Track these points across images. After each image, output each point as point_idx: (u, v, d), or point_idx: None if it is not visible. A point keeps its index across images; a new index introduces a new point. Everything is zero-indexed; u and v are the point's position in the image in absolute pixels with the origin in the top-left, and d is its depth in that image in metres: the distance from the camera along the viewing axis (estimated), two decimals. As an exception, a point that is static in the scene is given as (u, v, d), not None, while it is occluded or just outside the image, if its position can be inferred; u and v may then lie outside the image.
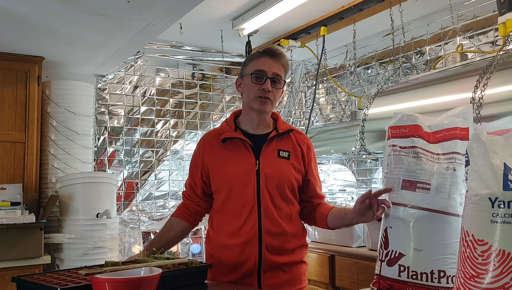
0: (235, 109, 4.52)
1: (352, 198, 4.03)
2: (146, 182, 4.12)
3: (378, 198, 1.57)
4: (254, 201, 1.80)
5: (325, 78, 4.46)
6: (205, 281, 1.66)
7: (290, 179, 1.85)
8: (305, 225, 1.99)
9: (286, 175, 1.85)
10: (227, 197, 1.84)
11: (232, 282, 1.79)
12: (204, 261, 1.93)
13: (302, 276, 1.90)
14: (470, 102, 2.26)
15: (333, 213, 1.86)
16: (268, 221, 1.80)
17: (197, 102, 4.36)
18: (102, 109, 3.94)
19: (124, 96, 4.04)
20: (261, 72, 1.84)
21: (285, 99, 4.77)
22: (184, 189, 2.03)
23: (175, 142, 4.25)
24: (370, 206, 1.62)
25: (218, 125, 4.39)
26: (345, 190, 4.17)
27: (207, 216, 2.05)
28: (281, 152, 1.88)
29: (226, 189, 1.84)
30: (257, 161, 1.83)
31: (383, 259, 1.48)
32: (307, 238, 1.98)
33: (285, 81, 1.90)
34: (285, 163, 1.86)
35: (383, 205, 1.53)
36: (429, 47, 3.49)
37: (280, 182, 1.83)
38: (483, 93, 2.23)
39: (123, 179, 4.00)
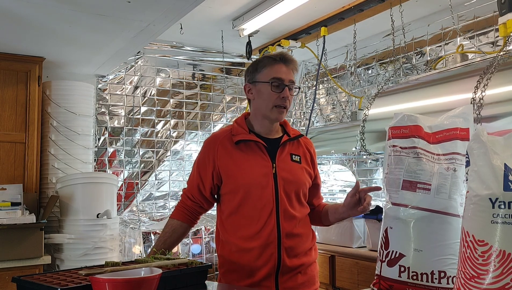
0: (235, 109, 4.53)
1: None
2: (147, 183, 4.12)
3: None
4: (273, 203, 1.81)
5: (325, 79, 4.46)
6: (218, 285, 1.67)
7: (305, 182, 1.90)
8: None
9: (301, 179, 1.89)
10: (244, 200, 1.83)
11: (250, 286, 1.79)
12: (218, 267, 1.93)
13: (316, 277, 1.93)
14: (471, 103, 2.26)
15: (326, 209, 1.97)
16: (286, 223, 1.81)
17: (197, 103, 4.36)
18: (103, 110, 3.94)
19: (125, 96, 4.04)
20: (279, 80, 1.84)
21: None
22: (185, 188, 2.00)
23: (175, 142, 4.25)
24: (359, 200, 1.76)
25: (218, 125, 4.44)
26: (345, 190, 4.17)
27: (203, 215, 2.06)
28: (293, 156, 1.91)
29: (243, 192, 1.83)
30: (274, 165, 1.85)
31: (384, 259, 1.48)
32: None
33: (299, 88, 1.93)
34: (298, 167, 1.90)
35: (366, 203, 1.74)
36: (429, 48, 3.49)
37: (297, 186, 1.87)
38: (483, 94, 2.23)
39: (124, 179, 4.00)
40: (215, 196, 1.97)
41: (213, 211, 2.07)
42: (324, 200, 2.10)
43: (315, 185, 1.99)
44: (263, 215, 1.80)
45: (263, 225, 1.80)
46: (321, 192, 2.06)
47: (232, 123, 1.99)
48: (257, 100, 1.88)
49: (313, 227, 2.03)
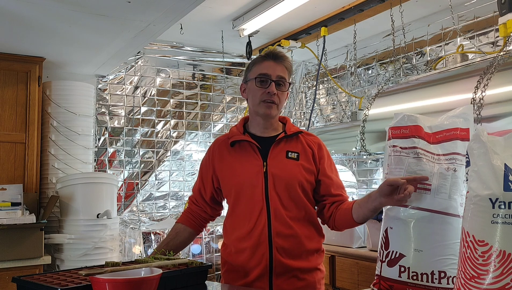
0: (235, 110, 4.54)
1: (353, 199, 4.03)
2: (147, 183, 4.12)
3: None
4: (263, 203, 1.77)
5: (325, 79, 4.46)
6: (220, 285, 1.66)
7: (300, 179, 1.80)
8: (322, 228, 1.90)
9: (295, 176, 1.80)
10: (236, 201, 1.83)
11: (244, 286, 1.78)
12: (221, 267, 1.94)
13: (317, 284, 1.83)
14: (471, 103, 2.26)
15: (357, 202, 1.74)
16: (278, 223, 1.76)
17: (197, 103, 4.36)
18: (103, 110, 3.94)
19: (125, 96, 4.04)
20: (265, 76, 1.82)
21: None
22: (191, 194, 2.03)
23: (175, 142, 4.25)
24: (396, 189, 1.48)
25: (218, 126, 4.44)
26: (345, 190, 4.17)
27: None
28: (289, 153, 1.84)
29: (234, 192, 1.83)
30: (265, 163, 1.81)
31: (384, 259, 1.48)
32: None
33: (290, 84, 1.88)
34: (294, 164, 1.82)
35: (407, 191, 1.43)
36: (429, 48, 3.49)
37: (289, 183, 1.79)
38: (483, 94, 2.23)
39: (124, 180, 4.00)
40: (220, 202, 1.99)
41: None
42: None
43: (319, 182, 1.85)
44: (253, 215, 1.78)
45: (254, 225, 1.77)
46: (333, 189, 1.85)
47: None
48: (249, 98, 1.89)
49: (339, 231, 1.87)
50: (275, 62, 1.84)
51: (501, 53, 2.36)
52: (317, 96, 4.51)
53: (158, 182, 4.18)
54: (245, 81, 1.91)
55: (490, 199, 1.11)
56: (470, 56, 2.94)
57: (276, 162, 1.82)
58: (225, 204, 2.01)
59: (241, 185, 1.82)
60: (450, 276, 1.37)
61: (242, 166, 1.84)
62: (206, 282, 1.65)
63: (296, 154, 1.85)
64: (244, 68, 4.57)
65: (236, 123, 2.00)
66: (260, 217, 1.77)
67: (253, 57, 4.02)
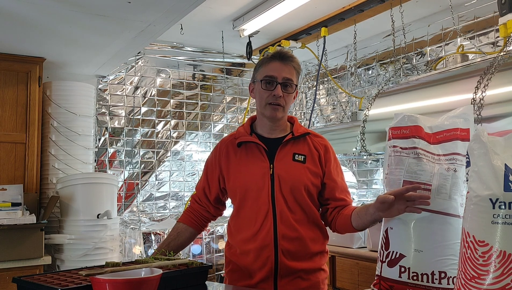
0: (235, 110, 4.54)
1: (353, 199, 4.03)
2: (147, 183, 4.13)
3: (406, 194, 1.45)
4: (269, 205, 1.77)
5: (325, 79, 4.46)
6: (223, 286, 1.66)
7: (306, 182, 1.80)
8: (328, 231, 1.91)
9: (301, 179, 1.80)
10: (242, 202, 1.83)
11: (248, 287, 1.78)
12: (224, 266, 1.94)
13: (321, 284, 1.83)
14: (471, 103, 2.26)
15: (356, 212, 1.76)
16: (283, 225, 1.76)
17: (197, 103, 4.37)
18: (103, 110, 3.95)
19: (125, 96, 4.04)
20: (271, 78, 1.80)
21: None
22: (194, 193, 2.02)
23: (175, 142, 4.25)
24: (391, 203, 1.48)
25: (219, 126, 4.44)
26: (345, 191, 4.16)
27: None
28: (296, 155, 1.83)
29: (240, 194, 1.83)
30: (271, 165, 1.80)
31: (384, 260, 1.48)
32: None
33: (296, 85, 1.84)
34: (300, 167, 1.81)
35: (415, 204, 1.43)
36: (429, 48, 3.49)
37: (295, 186, 1.79)
38: (483, 94, 2.23)
39: (124, 180, 4.01)
40: (224, 202, 1.98)
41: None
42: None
43: (324, 185, 1.85)
44: (259, 217, 1.78)
45: (260, 227, 1.77)
46: (338, 193, 1.85)
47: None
48: (256, 99, 1.89)
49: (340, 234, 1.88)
50: (282, 62, 1.82)
51: (501, 54, 2.36)
52: (317, 96, 4.51)
53: (158, 183, 4.18)
54: (253, 81, 1.90)
55: (491, 199, 1.11)
56: (470, 56, 2.94)
57: (282, 164, 1.81)
58: (228, 203, 2.01)
59: (247, 187, 1.81)
60: (451, 277, 1.37)
61: (249, 167, 1.83)
62: (206, 282, 1.65)
63: (303, 157, 1.84)
64: (244, 68, 4.58)
65: (239, 123, 1.99)
66: (266, 220, 1.77)
67: (254, 57, 4.05)
